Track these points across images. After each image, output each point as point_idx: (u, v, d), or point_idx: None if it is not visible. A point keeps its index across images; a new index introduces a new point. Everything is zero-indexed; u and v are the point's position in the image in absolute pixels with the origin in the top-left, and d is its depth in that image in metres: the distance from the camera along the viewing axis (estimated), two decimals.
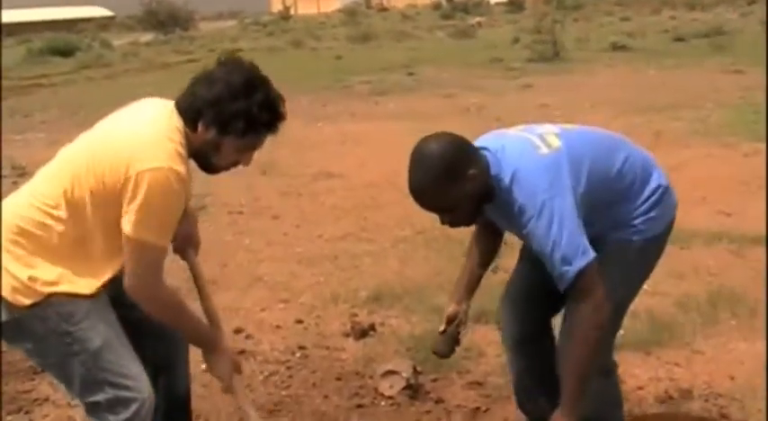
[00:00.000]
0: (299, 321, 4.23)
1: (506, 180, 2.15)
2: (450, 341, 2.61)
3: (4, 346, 3.24)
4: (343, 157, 8.38)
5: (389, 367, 3.48)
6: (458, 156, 2.10)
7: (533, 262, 2.30)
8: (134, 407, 2.20)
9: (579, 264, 2.07)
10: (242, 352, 3.84)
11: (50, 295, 2.10)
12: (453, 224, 2.27)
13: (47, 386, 3.45)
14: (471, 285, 2.60)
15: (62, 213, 2.13)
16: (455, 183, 2.09)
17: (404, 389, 3.37)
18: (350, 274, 4.94)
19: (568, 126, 2.40)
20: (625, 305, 2.42)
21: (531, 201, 2.09)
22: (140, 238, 2.08)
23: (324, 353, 3.85)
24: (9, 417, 3.19)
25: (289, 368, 3.71)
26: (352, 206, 6.56)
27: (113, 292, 2.27)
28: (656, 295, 4.16)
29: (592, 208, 2.19)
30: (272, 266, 5.17)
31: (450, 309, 2.59)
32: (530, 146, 2.20)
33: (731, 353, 3.67)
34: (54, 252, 2.13)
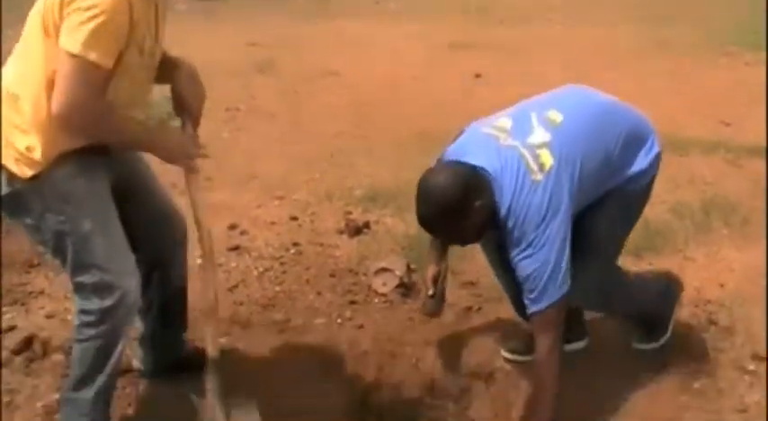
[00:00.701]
0: (294, 218, 4.16)
1: (503, 211, 2.16)
2: (438, 300, 2.65)
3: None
4: (342, 57, 8.07)
5: (383, 265, 3.43)
6: (464, 192, 2.11)
7: None
8: (118, 294, 2.17)
9: (550, 300, 2.15)
10: (236, 248, 3.79)
11: (52, 167, 2.03)
12: (460, 245, 2.44)
13: (42, 279, 3.39)
14: (443, 248, 2.63)
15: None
16: (463, 217, 2.13)
17: (397, 286, 3.33)
18: (345, 173, 4.82)
19: (555, 117, 2.29)
20: (621, 246, 2.55)
21: (522, 236, 2.13)
22: (85, 56, 1.90)
23: (318, 249, 3.80)
24: (5, 309, 3.13)
25: (282, 264, 3.66)
26: (349, 105, 6.35)
27: (114, 181, 2.22)
28: (651, 202, 4.04)
29: (587, 190, 2.24)
30: (267, 164, 5.03)
31: (431, 270, 2.61)
32: (523, 169, 2.17)
33: (722, 261, 3.61)
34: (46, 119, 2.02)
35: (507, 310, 3.03)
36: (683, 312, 3.13)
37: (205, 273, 2.35)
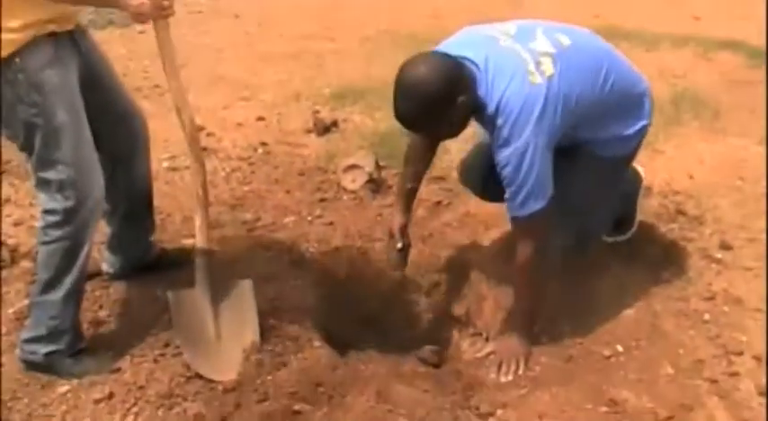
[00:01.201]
0: (261, 118, 4.01)
1: (492, 106, 2.00)
2: (405, 253, 2.51)
3: None
4: None
5: (352, 162, 3.34)
6: (446, 86, 1.95)
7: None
8: (83, 193, 2.10)
9: (534, 207, 2.05)
10: (204, 149, 3.64)
11: (24, 55, 1.95)
12: (436, 140, 2.29)
13: (8, 187, 3.23)
14: (410, 198, 2.51)
15: None
16: (444, 113, 1.98)
17: (366, 182, 3.26)
18: (313, 72, 4.63)
19: (563, 39, 2.13)
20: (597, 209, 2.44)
21: (512, 135, 1.98)
22: None
23: (286, 149, 3.68)
24: None
25: (251, 164, 3.56)
26: (316, 5, 6.08)
27: (81, 71, 2.12)
28: None
29: (570, 128, 2.10)
30: (233, 65, 4.84)
31: (398, 221, 2.48)
32: (522, 69, 2.01)
33: (691, 154, 3.54)
34: None
35: (477, 204, 2.97)
36: (652, 203, 3.08)
37: (193, 163, 2.24)
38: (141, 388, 2.09)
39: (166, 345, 2.26)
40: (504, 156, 2.03)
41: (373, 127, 3.83)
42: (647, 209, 2.94)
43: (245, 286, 2.33)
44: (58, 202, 2.09)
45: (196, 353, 2.18)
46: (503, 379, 2.19)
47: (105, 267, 2.61)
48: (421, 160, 2.48)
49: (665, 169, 3.36)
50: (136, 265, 2.59)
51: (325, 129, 3.80)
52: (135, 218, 2.55)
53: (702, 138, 3.68)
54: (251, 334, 2.25)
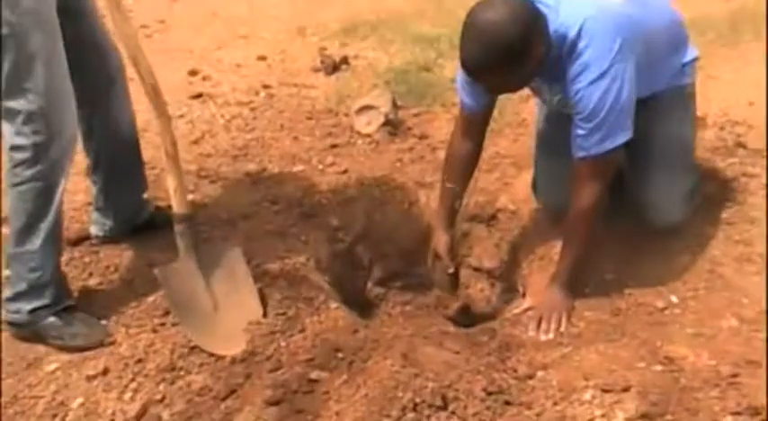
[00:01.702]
0: (262, 58, 3.96)
1: (572, 32, 2.01)
2: (456, 276, 2.45)
3: None
4: None
5: (366, 102, 3.28)
6: (523, 36, 1.94)
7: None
8: (53, 127, 2.04)
9: (614, 143, 2.07)
10: (199, 95, 3.63)
11: None
12: (500, 93, 2.28)
13: None
14: (455, 211, 2.45)
15: None
16: (519, 66, 1.98)
17: (383, 125, 3.20)
18: (318, 5, 4.55)
19: None
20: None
21: (597, 61, 2.00)
22: None
23: (291, 91, 3.63)
24: None
25: (253, 110, 3.51)
26: None
27: (61, 2, 2.06)
28: None
29: (648, 65, 2.14)
30: (228, 0, 4.75)
31: (444, 241, 2.41)
32: None
33: (750, 78, 3.39)
34: None
35: (508, 144, 2.93)
36: (708, 135, 2.97)
37: (158, 118, 2.16)
38: (140, 361, 2.06)
39: (165, 314, 2.22)
40: (583, 86, 2.02)
41: (388, 62, 3.76)
42: (702, 142, 2.83)
43: (235, 252, 2.31)
44: (27, 137, 2.03)
45: (195, 327, 2.15)
46: (543, 336, 2.15)
47: (94, 230, 2.57)
48: (467, 159, 2.42)
49: (722, 97, 3.24)
50: (128, 227, 2.56)
51: (334, 67, 3.75)
52: (121, 172, 2.49)
53: (762, 60, 3.52)
54: (251, 301, 2.22)
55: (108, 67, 2.33)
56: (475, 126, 2.36)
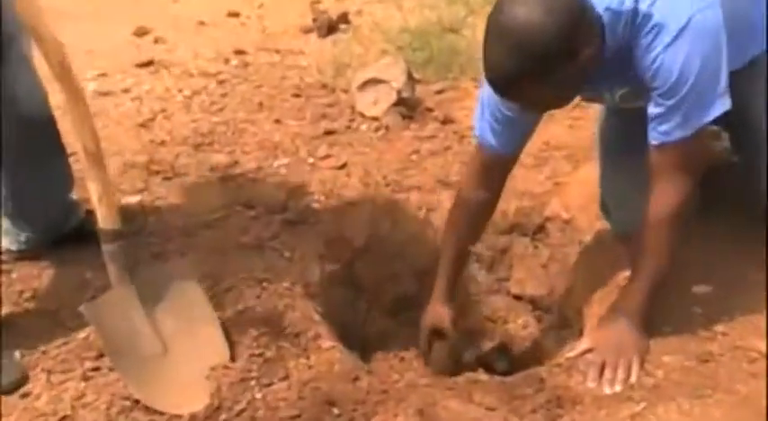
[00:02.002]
0: (234, 14, 4.02)
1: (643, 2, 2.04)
2: (456, 354, 2.49)
3: None
4: None
5: (372, 75, 3.30)
6: (566, 34, 1.95)
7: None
8: None
9: (702, 120, 2.08)
10: (148, 63, 3.66)
11: None
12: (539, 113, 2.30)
13: None
14: (459, 272, 2.52)
15: None
16: (562, 74, 1.98)
17: (394, 105, 3.22)
18: None
19: None
20: None
21: (672, 16, 2.02)
22: None
23: (273, 58, 3.68)
24: None
25: (221, 83, 3.55)
26: None
27: None
28: None
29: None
30: None
31: (446, 313, 2.47)
32: None
33: None
34: None
35: (561, 131, 2.92)
36: None
37: (69, 105, 2.14)
38: (64, 419, 2.05)
39: (100, 356, 2.21)
40: (659, 52, 2.03)
41: (401, 21, 3.79)
42: None
43: (187, 274, 2.31)
44: None
45: (139, 377, 2.13)
46: (607, 389, 2.12)
47: (6, 243, 2.57)
48: (480, 212, 2.46)
49: None
50: (50, 237, 2.56)
51: (329, 26, 3.78)
52: (36, 165, 2.47)
53: None
54: (213, 339, 2.22)
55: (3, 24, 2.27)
56: (495, 172, 2.41)
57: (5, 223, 2.56)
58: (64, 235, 2.57)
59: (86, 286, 2.40)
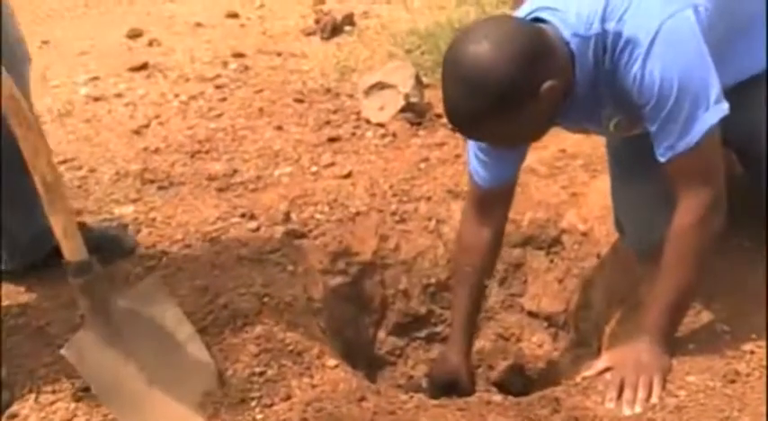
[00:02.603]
0: (233, 15, 4.04)
1: (595, 22, 2.07)
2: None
3: None
4: None
5: (378, 79, 3.31)
6: (525, 71, 1.98)
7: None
8: None
9: (703, 128, 2.07)
10: (143, 66, 3.66)
11: None
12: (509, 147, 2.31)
13: None
14: (473, 319, 2.49)
15: None
16: (523, 110, 2.02)
17: (402, 110, 3.23)
18: None
19: None
20: None
21: (642, 27, 2.04)
22: None
23: (274, 62, 3.69)
24: None
25: (219, 87, 3.56)
26: None
27: None
28: None
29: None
30: None
31: (463, 368, 2.42)
32: None
33: None
34: None
35: (579, 139, 2.91)
36: None
37: (22, 138, 2.09)
38: None
39: None
40: (636, 67, 2.04)
41: (409, 23, 3.81)
42: None
43: (161, 293, 2.31)
44: None
45: (130, 414, 2.14)
46: (627, 410, 2.12)
47: None
48: (485, 252, 2.45)
49: None
50: (32, 257, 2.57)
51: (334, 28, 3.80)
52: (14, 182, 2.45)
53: None
54: (199, 365, 2.23)
55: None
56: (493, 206, 2.43)
57: None
58: (51, 251, 2.50)
59: (74, 303, 2.39)
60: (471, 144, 2.33)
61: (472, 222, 2.44)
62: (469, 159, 2.38)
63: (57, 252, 2.49)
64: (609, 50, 2.08)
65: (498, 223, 2.45)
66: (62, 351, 2.18)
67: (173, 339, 2.25)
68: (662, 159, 2.13)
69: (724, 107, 2.08)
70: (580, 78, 2.10)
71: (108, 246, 2.58)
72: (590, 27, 2.06)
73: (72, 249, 2.17)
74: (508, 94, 1.96)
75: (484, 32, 2.00)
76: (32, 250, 2.57)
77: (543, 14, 2.10)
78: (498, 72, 1.94)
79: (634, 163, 2.44)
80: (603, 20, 2.05)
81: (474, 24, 2.08)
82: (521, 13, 2.18)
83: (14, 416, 2.14)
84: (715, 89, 2.08)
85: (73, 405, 2.15)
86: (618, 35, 2.05)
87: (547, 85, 2.00)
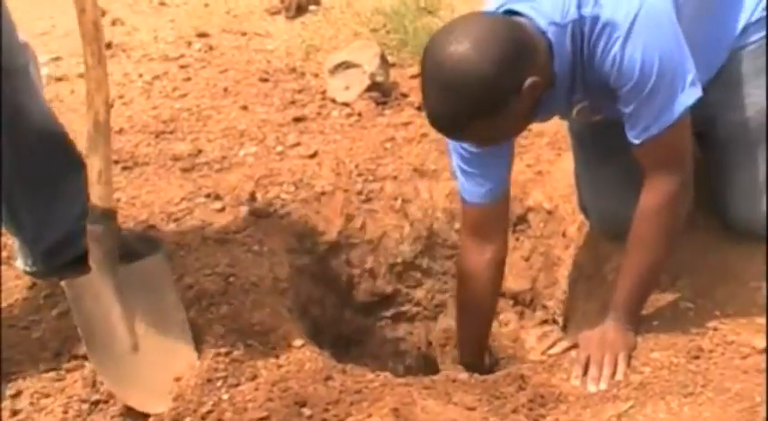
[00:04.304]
0: None
1: (571, 7, 2.05)
2: None
3: None
4: None
5: (343, 58, 3.30)
6: (507, 69, 1.96)
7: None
8: None
9: (680, 109, 2.09)
10: (107, 46, 3.58)
11: None
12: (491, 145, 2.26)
13: None
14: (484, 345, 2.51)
15: None
16: (508, 107, 2.01)
17: (367, 90, 3.21)
18: None
19: None
20: None
21: (620, 8, 2.03)
22: None
23: (238, 41, 3.67)
24: None
25: (183, 67, 3.54)
26: None
27: None
28: None
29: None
30: None
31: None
32: None
33: None
34: None
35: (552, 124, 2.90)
36: None
37: (92, 68, 2.16)
38: None
39: (57, 355, 2.22)
40: (616, 49, 2.04)
41: (374, 2, 3.80)
42: None
43: (163, 270, 2.32)
44: None
45: (111, 371, 2.16)
46: (592, 387, 2.13)
47: (20, 265, 2.55)
48: (491, 277, 2.41)
49: None
50: (68, 256, 2.51)
51: (299, 7, 3.78)
52: (35, 179, 2.45)
53: None
54: (182, 342, 2.23)
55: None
56: (490, 229, 2.37)
57: (16, 242, 2.54)
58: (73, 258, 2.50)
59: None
60: (454, 159, 2.31)
61: (471, 251, 2.38)
62: (456, 177, 2.34)
63: (78, 259, 2.48)
64: (586, 36, 2.07)
65: (499, 249, 2.38)
66: (62, 283, 2.20)
67: (165, 319, 2.26)
68: (636, 141, 2.14)
69: (698, 89, 2.10)
70: (558, 68, 2.08)
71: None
72: (566, 14, 2.05)
73: (101, 195, 2.20)
74: (490, 95, 1.96)
75: (461, 33, 1.97)
76: (55, 255, 2.53)
77: (517, 7, 2.08)
78: (479, 74, 1.93)
79: (598, 147, 2.45)
80: (579, 5, 2.04)
81: (449, 25, 2.05)
82: (491, 4, 2.16)
83: (18, 394, 2.15)
84: (691, 71, 2.09)
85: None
86: (595, 19, 2.04)
87: (529, 81, 1.99)
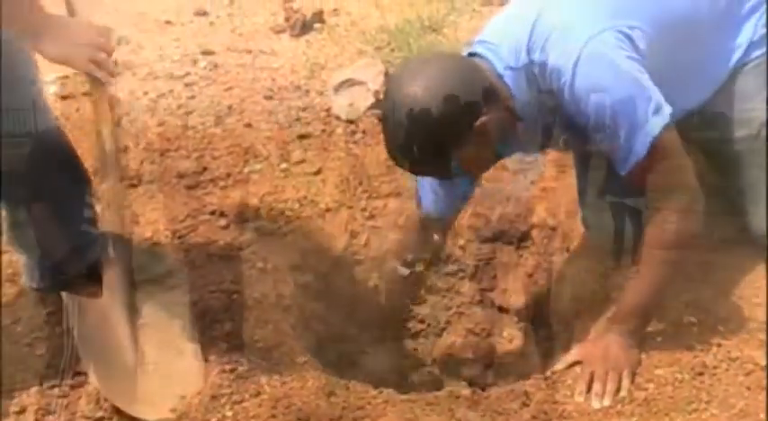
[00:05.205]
0: (202, 13, 4.00)
1: (521, 54, 2.15)
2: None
3: None
4: None
5: (348, 76, 3.31)
6: (458, 110, 2.06)
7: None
8: None
9: (655, 130, 2.09)
10: (113, 64, 3.63)
11: None
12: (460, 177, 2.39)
13: None
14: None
15: None
16: (460, 146, 2.10)
17: (372, 107, 3.20)
18: None
19: None
20: None
21: (566, 51, 2.09)
22: None
23: (243, 59, 3.66)
24: None
25: (188, 85, 3.53)
26: None
27: None
28: None
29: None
30: None
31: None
32: None
33: None
34: None
35: None
36: None
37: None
38: None
39: (61, 372, 2.21)
40: (568, 92, 2.09)
41: (379, 20, 3.80)
42: None
43: (179, 299, 2.37)
44: None
45: (109, 379, 2.17)
46: (596, 403, 2.13)
47: (27, 280, 2.51)
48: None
49: None
50: (76, 271, 2.47)
51: (303, 25, 3.78)
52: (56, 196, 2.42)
53: None
54: (191, 365, 2.24)
55: None
56: (436, 231, 2.62)
57: (23, 257, 2.52)
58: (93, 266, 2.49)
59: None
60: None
61: (415, 236, 2.65)
62: (419, 186, 2.53)
63: (84, 275, 2.50)
64: (539, 79, 2.13)
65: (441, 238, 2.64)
66: (64, 296, 2.29)
67: (176, 340, 2.29)
68: (621, 172, 2.16)
69: (665, 114, 2.10)
70: (521, 108, 2.16)
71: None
72: (518, 59, 2.14)
73: (110, 221, 2.26)
74: (442, 133, 2.04)
75: (416, 73, 2.07)
76: (61, 271, 2.51)
77: (479, 49, 2.18)
78: (430, 113, 2.02)
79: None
80: (529, 51, 2.13)
81: (409, 62, 2.22)
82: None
83: (22, 411, 2.15)
84: (652, 100, 2.10)
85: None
86: (543, 65, 2.11)
87: (480, 120, 2.07)
